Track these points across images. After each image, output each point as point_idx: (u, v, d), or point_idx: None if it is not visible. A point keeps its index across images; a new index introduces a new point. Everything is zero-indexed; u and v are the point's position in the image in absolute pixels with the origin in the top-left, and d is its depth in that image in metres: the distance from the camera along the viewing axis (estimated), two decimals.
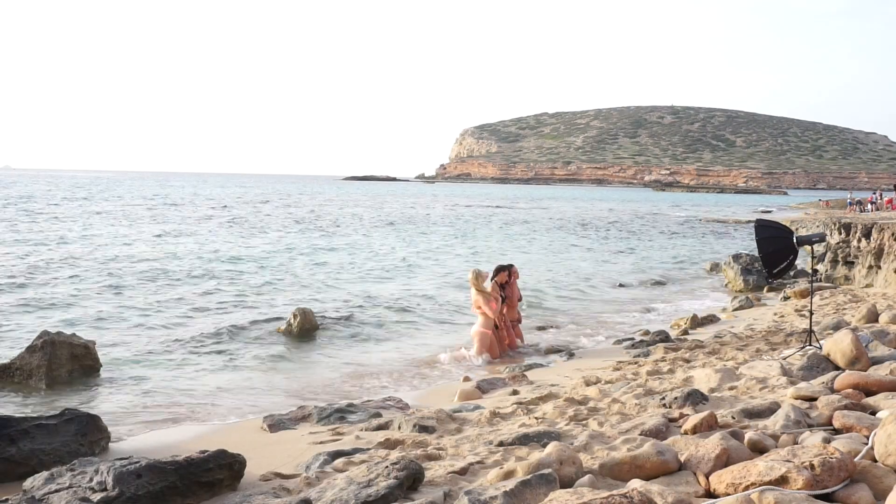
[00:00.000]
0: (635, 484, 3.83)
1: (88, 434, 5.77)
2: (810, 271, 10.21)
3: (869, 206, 48.16)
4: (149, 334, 11.16)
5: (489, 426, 6.19)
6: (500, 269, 10.82)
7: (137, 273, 17.61)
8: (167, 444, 6.31)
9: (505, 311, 10.62)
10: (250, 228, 34.73)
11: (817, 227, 30.03)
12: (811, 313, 8.65)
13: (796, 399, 5.52)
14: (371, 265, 21.57)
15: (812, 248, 8.62)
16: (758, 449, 4.25)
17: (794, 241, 7.96)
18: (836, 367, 6.64)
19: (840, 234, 16.68)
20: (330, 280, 18.15)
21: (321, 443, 6.11)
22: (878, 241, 14.88)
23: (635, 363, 9.10)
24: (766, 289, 17.34)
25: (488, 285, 10.50)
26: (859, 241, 15.70)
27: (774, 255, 8.01)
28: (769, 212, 61.98)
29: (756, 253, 21.51)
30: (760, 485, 3.50)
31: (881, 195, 51.44)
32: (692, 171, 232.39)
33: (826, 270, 16.96)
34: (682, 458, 4.14)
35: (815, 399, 5.40)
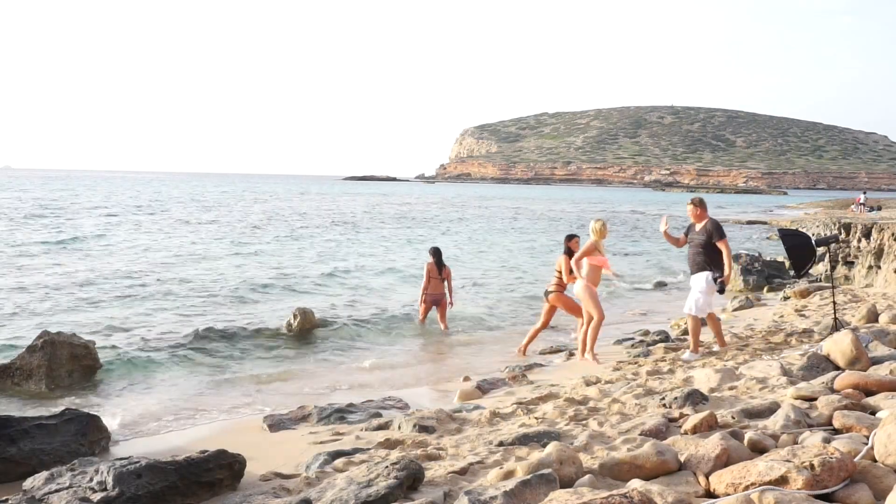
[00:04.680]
0: (635, 484, 3.83)
1: (88, 434, 5.77)
2: (829, 269, 10.94)
3: (858, 206, 48.89)
4: (149, 334, 11.14)
5: (489, 426, 6.19)
6: (570, 238, 10.66)
7: (152, 275, 17.61)
8: (167, 444, 6.32)
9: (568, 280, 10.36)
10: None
11: (817, 226, 30.37)
12: (834, 304, 9.84)
13: (796, 399, 5.52)
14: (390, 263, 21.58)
15: (829, 248, 10.44)
16: (758, 449, 4.25)
17: (814, 243, 9.31)
18: (837, 367, 6.64)
19: (840, 234, 16.68)
20: (334, 280, 18.14)
21: (321, 443, 6.12)
22: (878, 241, 14.88)
23: (635, 363, 9.10)
24: (765, 289, 17.33)
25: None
26: (859, 241, 15.70)
27: (800, 258, 9.25)
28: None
29: (757, 254, 21.58)
30: (760, 485, 3.50)
31: (865, 197, 52.26)
32: (692, 172, 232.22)
33: (826, 270, 16.95)
34: (682, 458, 4.14)
35: (815, 399, 5.40)
